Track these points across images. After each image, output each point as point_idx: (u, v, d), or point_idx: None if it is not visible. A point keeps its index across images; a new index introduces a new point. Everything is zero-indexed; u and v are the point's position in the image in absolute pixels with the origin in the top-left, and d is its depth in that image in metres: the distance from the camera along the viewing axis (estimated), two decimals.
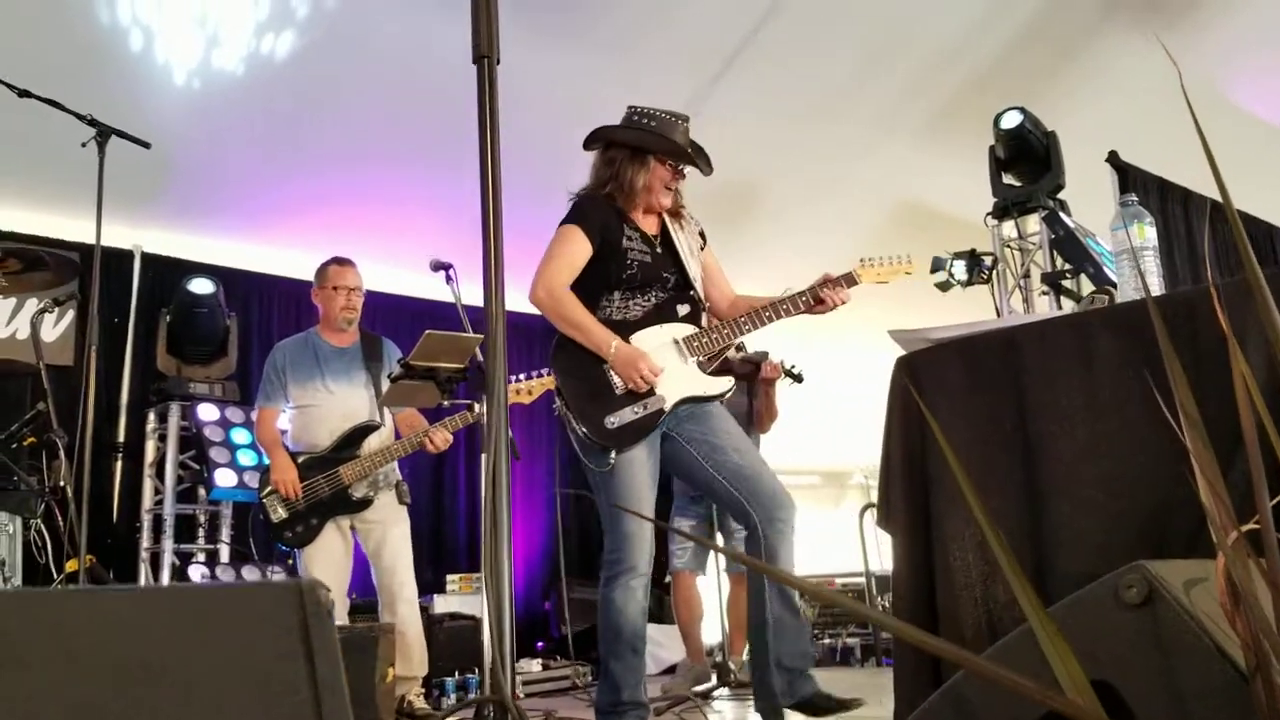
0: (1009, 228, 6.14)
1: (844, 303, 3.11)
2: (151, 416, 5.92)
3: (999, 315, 5.97)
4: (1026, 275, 6.18)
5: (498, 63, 1.38)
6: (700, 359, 3.06)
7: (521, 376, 4.37)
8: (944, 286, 5.99)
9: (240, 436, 5.59)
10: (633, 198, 3.13)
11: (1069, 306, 5.83)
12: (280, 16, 5.13)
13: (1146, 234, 2.00)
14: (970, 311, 4.97)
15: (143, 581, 5.54)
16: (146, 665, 0.77)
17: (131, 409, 6.09)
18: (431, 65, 5.42)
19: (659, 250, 3.13)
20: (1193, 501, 1.93)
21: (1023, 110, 5.81)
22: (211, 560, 5.65)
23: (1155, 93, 6.96)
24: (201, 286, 5.63)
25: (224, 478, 5.38)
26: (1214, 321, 1.83)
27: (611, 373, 2.97)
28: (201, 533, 5.78)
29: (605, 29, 5.54)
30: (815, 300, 3.09)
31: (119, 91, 5.09)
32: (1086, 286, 5.53)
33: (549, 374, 4.38)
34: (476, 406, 3.93)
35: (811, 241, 6.78)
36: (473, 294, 4.00)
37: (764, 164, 6.69)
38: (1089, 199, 5.89)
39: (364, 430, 4.22)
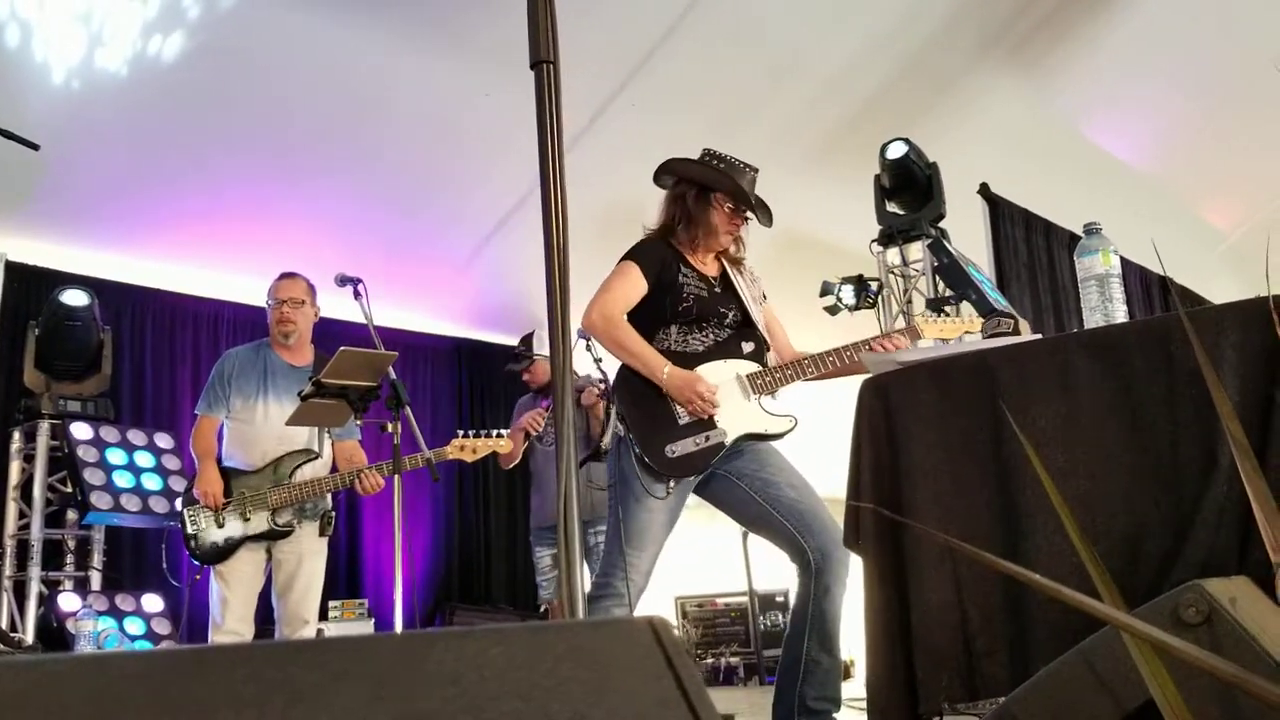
0: (893, 254, 6.32)
1: (896, 349, 3.04)
2: (17, 436, 5.55)
3: None
4: (909, 301, 6.37)
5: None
6: (763, 397, 3.01)
7: (471, 433, 4.25)
8: (832, 310, 6.14)
9: (116, 457, 5.28)
10: (695, 235, 3.10)
11: None
12: (170, 17, 4.91)
13: (1111, 260, 2.09)
14: (856, 336, 5.08)
15: (3, 610, 5.20)
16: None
17: None
18: (328, 73, 5.29)
19: (717, 289, 3.10)
20: (1166, 522, 2.02)
21: (907, 141, 5.99)
22: (81, 587, 5.33)
23: (1021, 129, 7.33)
24: (75, 298, 5.31)
25: (100, 500, 5.05)
26: (1188, 347, 1.92)
27: (674, 403, 2.92)
28: (70, 559, 5.45)
29: (488, 41, 5.44)
30: (870, 349, 3.03)
31: None
32: (966, 311, 5.76)
33: (499, 436, 4.28)
34: (390, 427, 3.83)
35: None
36: (383, 312, 3.93)
37: (652, 184, 6.74)
38: (962, 228, 6.13)
39: (299, 457, 4.03)
